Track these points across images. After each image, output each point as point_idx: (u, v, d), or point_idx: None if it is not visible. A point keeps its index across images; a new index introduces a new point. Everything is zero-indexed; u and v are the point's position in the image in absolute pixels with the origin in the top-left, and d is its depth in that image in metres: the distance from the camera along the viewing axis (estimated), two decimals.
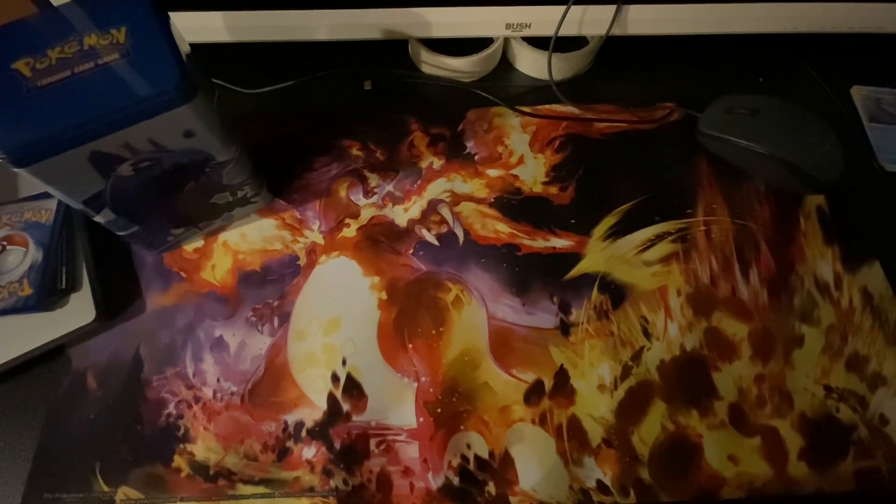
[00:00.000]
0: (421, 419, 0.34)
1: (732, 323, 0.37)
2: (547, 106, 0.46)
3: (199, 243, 0.40)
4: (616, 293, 0.38)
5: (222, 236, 0.41)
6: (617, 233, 0.40)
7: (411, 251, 0.40)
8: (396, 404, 0.35)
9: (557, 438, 0.34)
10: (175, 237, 0.38)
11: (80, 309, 0.36)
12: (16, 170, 0.26)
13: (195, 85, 0.28)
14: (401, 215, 0.41)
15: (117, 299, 0.38)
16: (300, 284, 0.39)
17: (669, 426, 0.34)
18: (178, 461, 0.33)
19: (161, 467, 0.33)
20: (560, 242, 0.40)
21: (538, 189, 0.42)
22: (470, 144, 0.44)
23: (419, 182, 0.42)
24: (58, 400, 0.35)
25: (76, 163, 0.27)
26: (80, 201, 0.30)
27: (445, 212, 0.41)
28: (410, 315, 0.37)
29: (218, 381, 0.36)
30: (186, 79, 0.27)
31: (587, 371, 0.35)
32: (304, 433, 0.34)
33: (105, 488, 0.33)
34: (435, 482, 0.33)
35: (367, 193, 0.42)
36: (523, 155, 0.43)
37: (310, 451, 0.34)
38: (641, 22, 0.44)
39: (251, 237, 0.41)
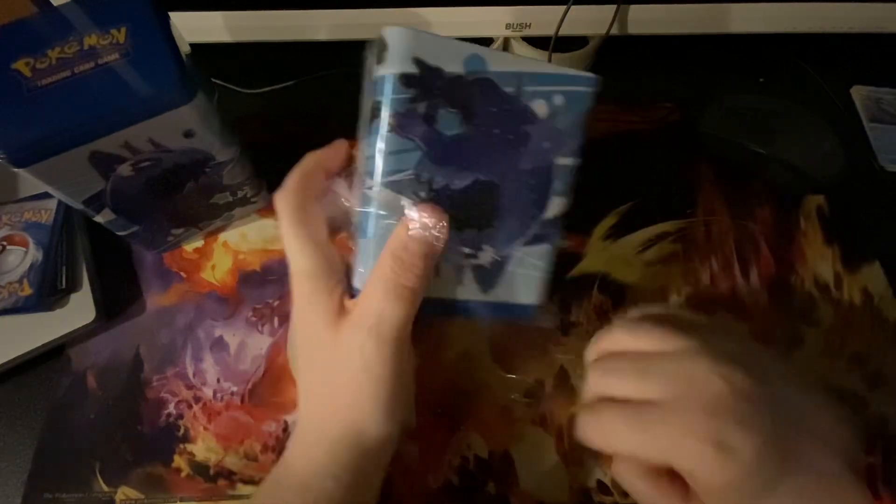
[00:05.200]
0: (421, 419, 0.34)
1: (732, 323, 0.37)
2: None
3: (199, 243, 0.40)
4: (616, 293, 0.38)
5: (222, 236, 0.41)
6: (617, 233, 0.40)
7: None
8: None
9: (557, 438, 0.34)
10: (175, 237, 0.38)
11: (80, 309, 0.36)
12: (16, 170, 0.26)
13: (195, 85, 0.28)
14: None
15: (117, 299, 0.38)
16: None
17: None
18: (178, 461, 0.33)
19: (161, 467, 0.33)
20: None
21: None
22: None
23: None
24: (58, 400, 0.35)
25: (76, 163, 0.27)
26: (80, 201, 0.30)
27: None
28: None
29: (218, 381, 0.36)
30: (186, 79, 0.27)
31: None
32: None
33: (105, 488, 0.33)
34: (435, 482, 0.33)
35: None
36: None
37: None
38: (641, 22, 0.44)
39: (251, 237, 0.41)
